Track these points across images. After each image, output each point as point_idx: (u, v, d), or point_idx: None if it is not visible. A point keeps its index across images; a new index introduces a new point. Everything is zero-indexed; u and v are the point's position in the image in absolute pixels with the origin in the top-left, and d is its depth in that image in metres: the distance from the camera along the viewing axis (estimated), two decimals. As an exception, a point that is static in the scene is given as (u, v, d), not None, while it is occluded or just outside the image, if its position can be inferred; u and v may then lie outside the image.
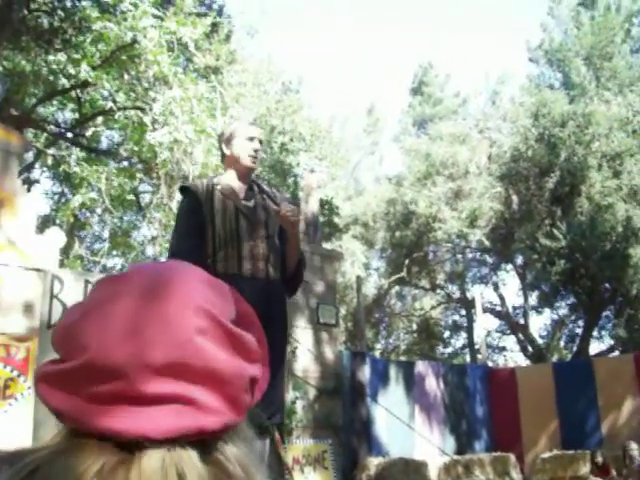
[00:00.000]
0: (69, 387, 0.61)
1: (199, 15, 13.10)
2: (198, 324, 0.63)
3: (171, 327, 0.61)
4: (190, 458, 0.61)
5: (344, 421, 9.13)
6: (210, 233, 3.20)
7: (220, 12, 15.40)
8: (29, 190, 9.15)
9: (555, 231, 14.81)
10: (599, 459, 9.02)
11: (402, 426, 9.44)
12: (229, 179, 3.37)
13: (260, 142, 3.44)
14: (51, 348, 0.67)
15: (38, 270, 6.41)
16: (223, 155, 3.48)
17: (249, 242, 3.21)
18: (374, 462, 9.04)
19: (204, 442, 0.63)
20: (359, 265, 19.63)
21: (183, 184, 3.43)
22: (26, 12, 12.05)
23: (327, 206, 17.50)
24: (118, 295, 0.64)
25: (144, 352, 0.60)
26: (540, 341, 20.68)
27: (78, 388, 0.61)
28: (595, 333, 18.52)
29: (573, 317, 19.61)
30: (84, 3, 12.81)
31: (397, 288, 23.49)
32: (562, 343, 22.24)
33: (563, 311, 20.00)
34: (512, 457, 9.65)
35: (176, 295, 0.64)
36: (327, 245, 14.75)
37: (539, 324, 34.07)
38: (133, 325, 0.61)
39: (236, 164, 3.38)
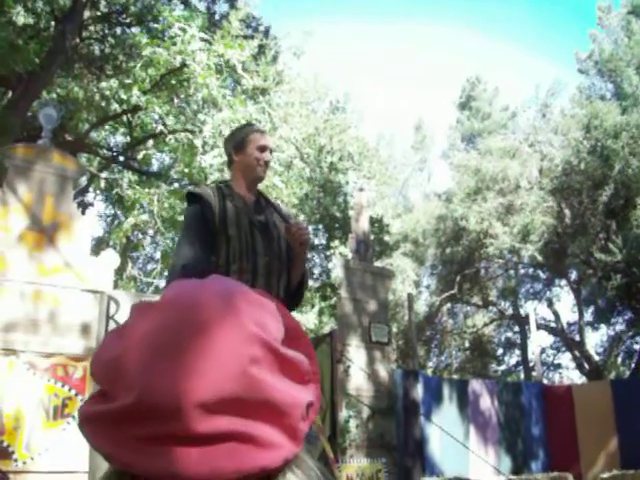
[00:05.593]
0: (116, 428, 0.56)
1: (246, 38, 13.29)
2: (251, 353, 0.57)
3: (222, 359, 0.56)
4: None
5: (398, 440, 9.02)
6: (224, 244, 3.07)
7: (266, 34, 15.61)
8: (83, 213, 9.37)
9: (610, 245, 14.48)
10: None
11: (457, 445, 9.29)
12: (238, 188, 3.23)
13: (271, 152, 3.31)
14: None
15: (94, 292, 6.51)
16: (230, 161, 3.34)
17: (264, 257, 3.11)
18: (429, 482, 8.93)
19: (264, 478, 0.58)
20: (410, 283, 19.49)
21: (191, 190, 3.27)
22: (78, 40, 12.40)
23: (377, 224, 17.47)
24: (160, 325, 0.58)
25: (194, 388, 0.55)
26: (597, 358, 20.19)
27: (125, 429, 0.56)
28: (655, 349, 18.03)
29: (631, 333, 19.12)
30: (134, 30, 13.13)
31: (448, 305, 23.25)
32: (619, 360, 21.70)
33: (620, 327, 19.53)
34: (570, 477, 9.41)
35: (224, 322, 0.58)
36: (378, 263, 14.69)
37: (595, 340, 33.33)
38: (180, 359, 0.55)
39: (246, 172, 3.24)
